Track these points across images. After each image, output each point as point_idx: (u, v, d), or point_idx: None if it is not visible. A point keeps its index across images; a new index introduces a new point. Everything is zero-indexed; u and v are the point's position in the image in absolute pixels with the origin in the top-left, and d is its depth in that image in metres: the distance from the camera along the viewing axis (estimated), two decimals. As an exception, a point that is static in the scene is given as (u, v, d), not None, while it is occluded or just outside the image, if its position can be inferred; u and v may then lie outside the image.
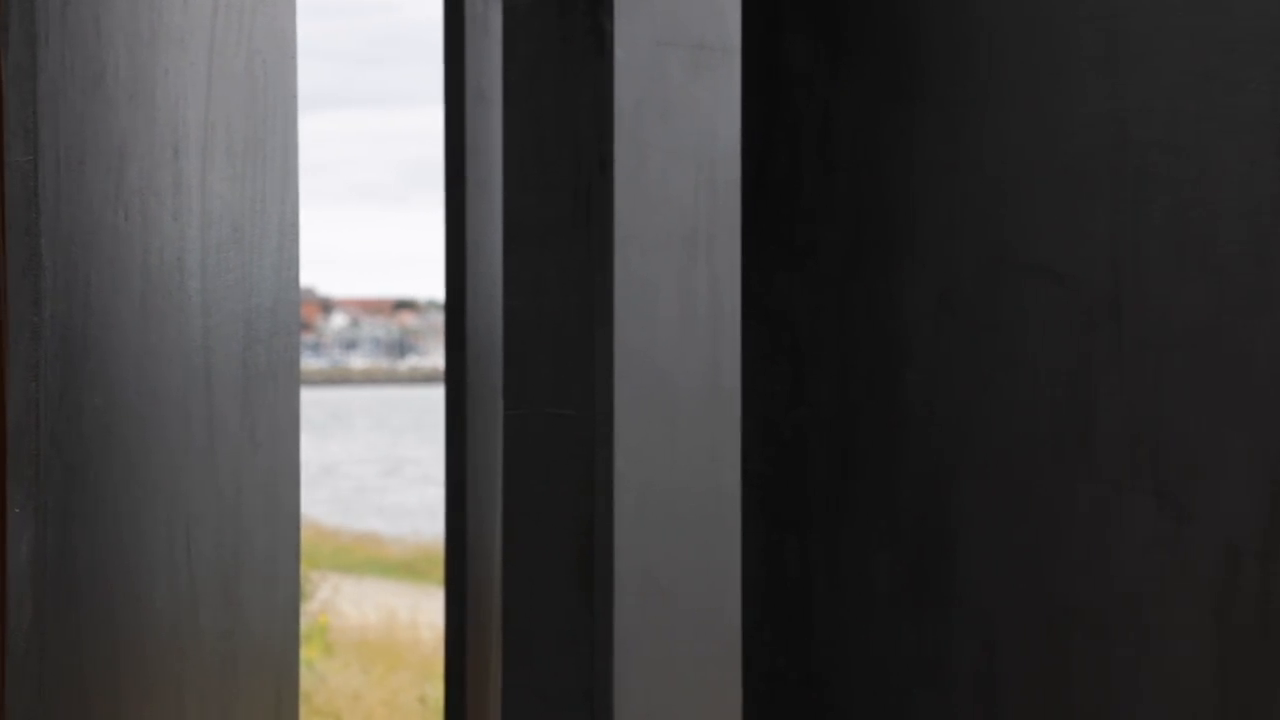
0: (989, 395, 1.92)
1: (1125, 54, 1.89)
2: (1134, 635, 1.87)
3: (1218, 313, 1.85)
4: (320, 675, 14.06)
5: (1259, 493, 1.83)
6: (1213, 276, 1.85)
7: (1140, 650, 1.87)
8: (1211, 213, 1.86)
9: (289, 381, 2.26)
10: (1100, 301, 1.89)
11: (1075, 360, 1.90)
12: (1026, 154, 1.92)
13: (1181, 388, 1.86)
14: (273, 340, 2.24)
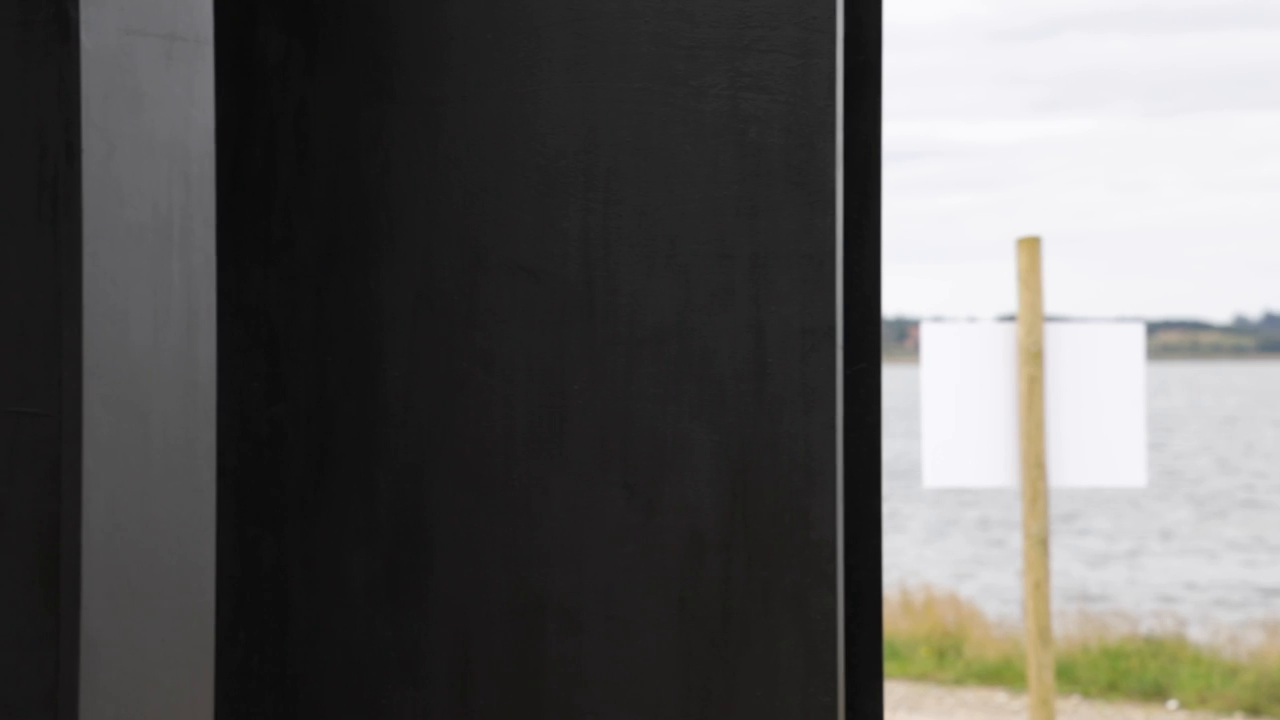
0: (466, 392, 1.94)
1: (595, 57, 1.93)
2: (605, 625, 1.92)
3: (684, 311, 1.91)
4: None
5: (721, 485, 1.90)
6: (679, 275, 1.92)
7: (610, 640, 1.92)
8: (678, 213, 1.92)
9: None
10: (573, 299, 1.93)
11: (550, 357, 1.93)
12: (501, 153, 1.94)
13: (649, 383, 1.92)
14: None
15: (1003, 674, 14.98)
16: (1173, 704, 13.85)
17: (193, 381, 1.69)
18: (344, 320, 1.97)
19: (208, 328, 1.72)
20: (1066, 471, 9.21)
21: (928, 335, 9.27)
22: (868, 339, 1.98)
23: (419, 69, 1.95)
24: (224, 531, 1.97)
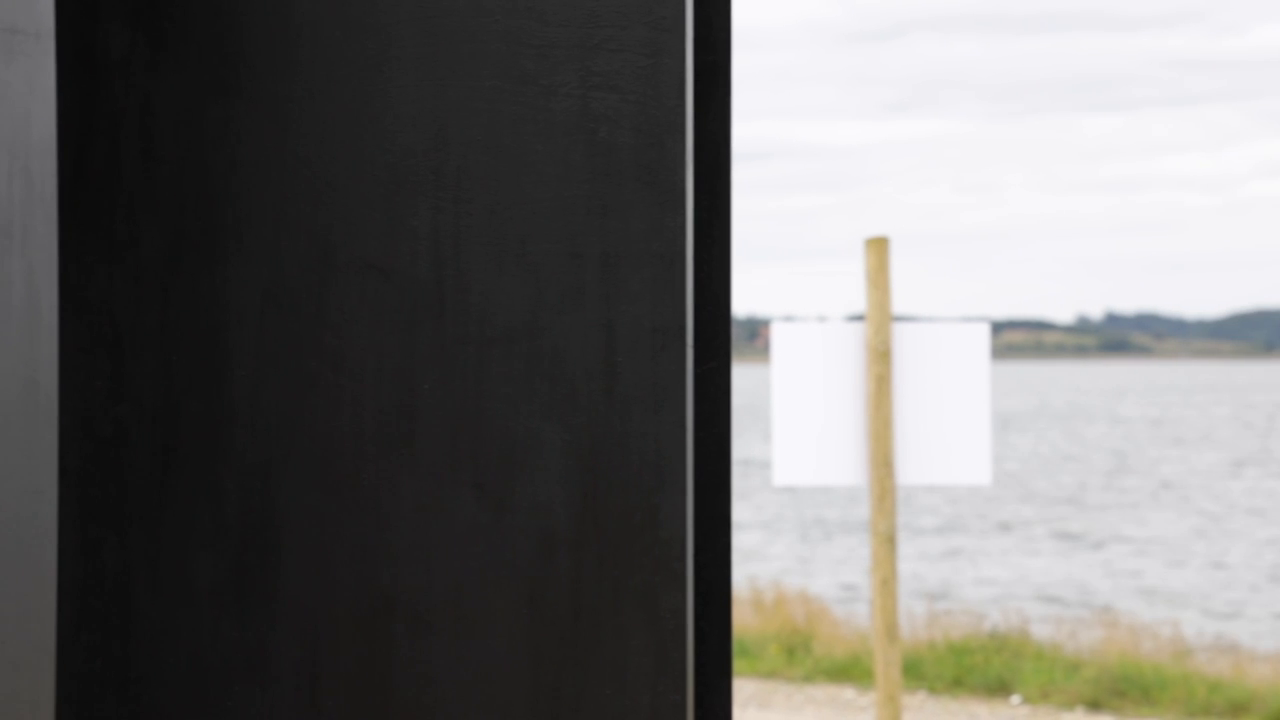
0: (315, 391, 1.93)
1: (445, 55, 1.92)
2: (455, 625, 1.91)
3: (534, 310, 1.91)
4: None
5: (571, 484, 1.90)
6: (530, 274, 1.91)
7: (460, 639, 1.91)
8: (528, 212, 1.92)
9: None
10: (423, 298, 1.92)
11: (399, 356, 1.92)
12: (350, 151, 1.93)
13: (500, 383, 1.91)
14: None
15: (851, 671, 15.10)
16: (1016, 699, 14.05)
17: (33, 380, 1.66)
18: (190, 319, 1.95)
19: (49, 326, 1.69)
20: (913, 469, 9.30)
21: (778, 334, 9.33)
22: (718, 338, 1.99)
23: (267, 66, 1.94)
24: (66, 533, 1.94)
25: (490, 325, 1.91)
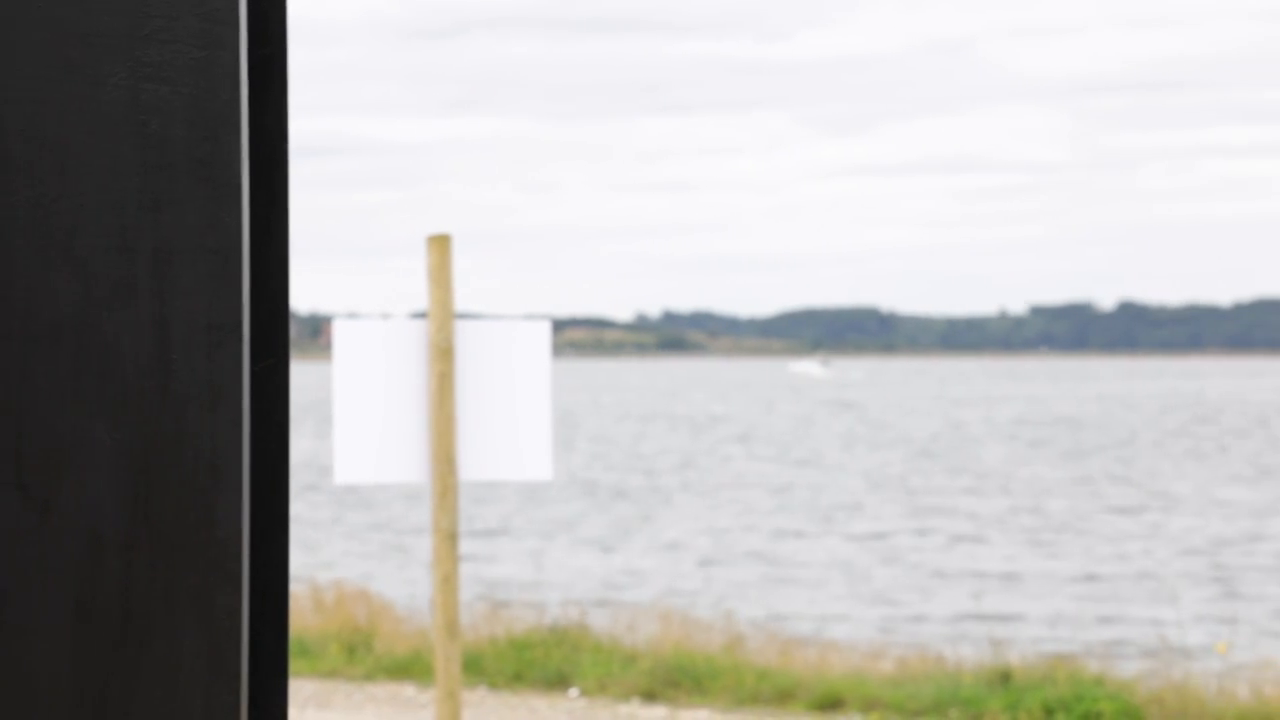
0: None
1: (-13, 41, 1.86)
2: (-3, 631, 1.85)
3: (83, 305, 1.86)
4: None
5: (122, 484, 1.86)
6: (77, 269, 1.86)
7: (3, 646, 1.85)
8: (75, 205, 1.87)
9: None
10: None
11: (-62, 352, 1.85)
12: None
13: (46, 381, 1.86)
14: None
15: (412, 668, 15.12)
16: (574, 691, 14.28)
17: None
18: None
19: None
20: (475, 466, 9.35)
21: (340, 331, 9.28)
22: (276, 334, 1.97)
23: None
24: None
25: (35, 321, 1.86)
